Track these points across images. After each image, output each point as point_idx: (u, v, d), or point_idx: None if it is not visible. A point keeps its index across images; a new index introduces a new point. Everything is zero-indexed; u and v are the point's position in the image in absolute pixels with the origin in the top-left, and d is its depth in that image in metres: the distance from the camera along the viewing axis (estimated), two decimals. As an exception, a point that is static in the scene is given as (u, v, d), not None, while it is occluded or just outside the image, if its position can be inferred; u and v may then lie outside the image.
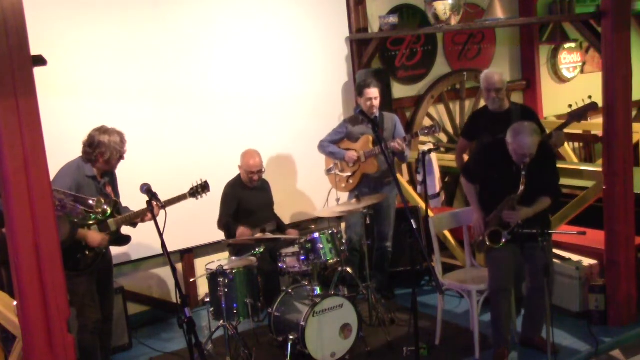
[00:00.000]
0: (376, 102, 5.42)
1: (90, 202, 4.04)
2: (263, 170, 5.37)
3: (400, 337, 4.90)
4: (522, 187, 4.18)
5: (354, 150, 5.56)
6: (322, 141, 5.70)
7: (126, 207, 4.59)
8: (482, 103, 7.20)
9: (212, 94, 5.82)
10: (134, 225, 4.53)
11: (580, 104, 7.96)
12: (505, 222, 4.29)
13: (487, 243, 4.31)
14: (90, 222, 4.29)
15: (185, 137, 5.71)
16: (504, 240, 4.27)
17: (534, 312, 4.59)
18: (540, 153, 4.28)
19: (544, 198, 4.39)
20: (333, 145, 5.66)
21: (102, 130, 4.35)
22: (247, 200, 5.34)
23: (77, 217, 4.12)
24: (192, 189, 4.60)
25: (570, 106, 5.23)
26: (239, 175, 5.41)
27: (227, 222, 5.32)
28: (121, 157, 4.41)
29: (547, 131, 5.13)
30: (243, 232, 5.19)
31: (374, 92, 5.40)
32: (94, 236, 4.28)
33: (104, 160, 4.33)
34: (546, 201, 4.41)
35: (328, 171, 5.73)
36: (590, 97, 5.04)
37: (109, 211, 4.20)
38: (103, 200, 4.11)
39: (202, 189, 4.61)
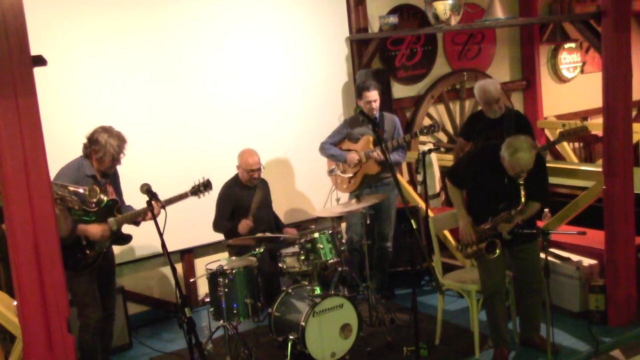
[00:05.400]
0: (375, 105, 5.42)
1: (81, 190, 4.00)
2: (262, 167, 5.37)
3: (400, 337, 4.90)
4: (523, 200, 4.18)
5: (355, 151, 5.56)
6: (322, 143, 5.70)
7: (129, 206, 4.59)
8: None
9: (212, 94, 5.83)
10: (136, 223, 4.52)
11: (580, 105, 7.99)
12: (500, 232, 4.30)
13: (485, 255, 4.30)
14: (90, 217, 4.28)
15: (185, 137, 5.71)
16: (498, 251, 4.28)
17: (528, 311, 4.62)
18: (534, 162, 4.27)
19: (533, 203, 4.39)
20: (334, 148, 5.66)
21: (105, 129, 4.35)
22: (245, 199, 5.33)
23: (77, 207, 4.07)
24: (193, 187, 4.56)
25: (563, 125, 5.36)
26: (236, 176, 5.41)
27: (224, 224, 5.33)
28: (115, 160, 4.37)
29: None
30: (245, 224, 5.20)
31: (373, 95, 5.40)
32: (94, 229, 4.27)
33: (97, 158, 4.32)
34: (535, 206, 4.42)
35: (330, 172, 5.74)
36: (584, 119, 5.14)
37: (105, 199, 4.16)
38: (98, 189, 4.04)
39: (204, 187, 4.57)
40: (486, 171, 4.36)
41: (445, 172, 6.52)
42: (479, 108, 7.15)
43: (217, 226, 5.38)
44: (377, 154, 5.36)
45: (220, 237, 5.50)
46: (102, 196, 4.11)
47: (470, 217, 4.44)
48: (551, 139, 7.58)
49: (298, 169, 6.29)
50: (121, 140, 4.35)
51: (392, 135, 5.56)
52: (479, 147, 5.20)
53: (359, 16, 6.49)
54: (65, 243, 3.82)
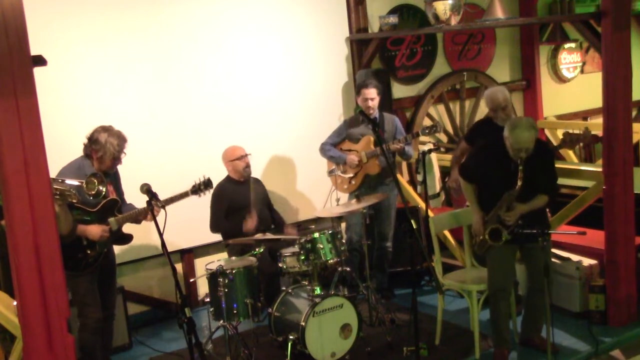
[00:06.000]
0: (372, 103, 5.42)
1: (77, 183, 4.00)
2: (250, 153, 5.39)
3: (400, 337, 4.90)
4: (519, 183, 4.18)
5: (355, 151, 5.56)
6: (323, 144, 5.71)
7: (130, 204, 4.58)
8: (482, 103, 7.24)
9: (212, 94, 5.82)
10: (137, 221, 4.52)
11: (580, 105, 7.98)
12: (504, 221, 4.30)
13: (488, 241, 4.31)
14: (90, 217, 4.28)
15: (185, 137, 5.71)
16: (503, 239, 4.27)
17: (533, 312, 4.60)
18: (540, 152, 4.29)
19: (541, 196, 4.40)
20: (334, 149, 5.67)
21: (105, 128, 4.35)
22: (238, 196, 5.34)
23: (76, 200, 4.05)
24: (194, 186, 4.55)
25: (567, 132, 5.34)
26: (227, 176, 5.42)
27: (222, 225, 5.34)
28: (116, 159, 4.37)
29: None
30: (251, 222, 5.21)
31: (371, 93, 5.41)
32: (94, 229, 4.27)
33: (97, 157, 4.32)
34: (543, 199, 4.42)
35: (330, 172, 5.74)
36: (587, 127, 5.14)
37: (104, 191, 4.15)
38: (96, 181, 4.00)
39: (204, 185, 4.56)
40: (493, 163, 4.39)
41: (445, 172, 6.54)
42: (480, 107, 7.17)
43: (215, 227, 5.38)
44: (396, 143, 5.35)
45: (220, 237, 5.49)
46: (100, 187, 4.07)
47: (482, 211, 4.45)
48: (551, 139, 7.58)
49: (298, 169, 6.29)
50: (121, 139, 4.35)
51: (392, 135, 5.56)
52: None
53: (359, 16, 6.49)
54: (66, 242, 3.82)
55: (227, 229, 5.32)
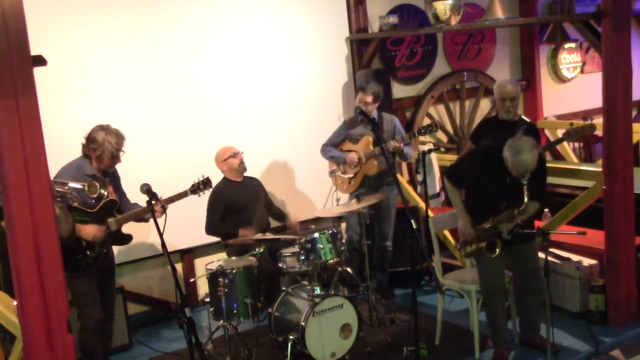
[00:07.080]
0: (368, 108, 5.42)
1: (80, 186, 3.99)
2: (242, 151, 5.40)
3: (400, 337, 4.90)
4: (526, 200, 4.17)
5: (354, 151, 5.56)
6: (323, 145, 5.72)
7: (135, 204, 4.57)
8: (482, 103, 7.25)
9: (212, 94, 5.83)
10: (144, 220, 4.51)
11: (580, 105, 7.98)
12: (500, 231, 4.30)
13: (486, 253, 4.30)
14: (89, 218, 4.28)
15: (185, 137, 5.71)
16: (498, 250, 4.27)
17: (528, 311, 4.62)
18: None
19: (533, 203, 4.38)
20: (334, 149, 5.68)
21: (102, 127, 4.34)
22: (236, 196, 5.34)
23: (77, 203, 4.05)
24: (193, 185, 4.53)
25: (571, 124, 5.24)
26: (223, 178, 5.41)
27: (218, 227, 5.34)
28: (115, 158, 4.36)
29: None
30: (245, 233, 5.20)
31: (366, 97, 5.43)
32: (88, 229, 4.25)
33: (96, 156, 4.31)
34: (536, 206, 4.42)
35: (331, 173, 5.75)
36: (590, 118, 5.07)
37: (105, 194, 4.14)
38: (97, 184, 4.02)
39: (203, 185, 4.54)
40: (488, 171, 4.35)
41: (445, 172, 6.54)
42: (480, 107, 7.14)
43: (211, 229, 5.37)
44: (395, 142, 5.35)
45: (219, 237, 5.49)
46: (102, 191, 4.07)
47: (469, 216, 4.44)
48: (551, 139, 7.58)
49: (298, 169, 6.29)
50: (119, 138, 4.34)
51: (391, 135, 5.56)
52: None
53: (359, 16, 6.49)
54: (66, 244, 3.82)
55: (223, 231, 5.31)
